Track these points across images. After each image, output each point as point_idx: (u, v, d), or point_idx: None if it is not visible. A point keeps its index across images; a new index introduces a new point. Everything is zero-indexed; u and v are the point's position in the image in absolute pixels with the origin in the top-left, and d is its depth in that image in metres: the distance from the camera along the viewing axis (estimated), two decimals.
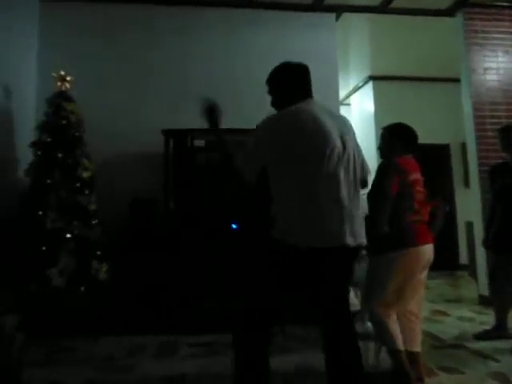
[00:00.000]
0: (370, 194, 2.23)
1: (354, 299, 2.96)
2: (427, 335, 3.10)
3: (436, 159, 6.34)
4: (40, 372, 2.41)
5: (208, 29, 4.32)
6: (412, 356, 2.16)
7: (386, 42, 5.27)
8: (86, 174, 3.31)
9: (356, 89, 6.92)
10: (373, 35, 5.14)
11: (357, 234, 1.58)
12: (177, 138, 3.70)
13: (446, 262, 6.04)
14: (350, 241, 1.53)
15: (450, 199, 6.37)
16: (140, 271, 3.31)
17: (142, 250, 3.37)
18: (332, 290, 1.61)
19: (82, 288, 3.05)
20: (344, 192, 1.56)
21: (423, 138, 6.59)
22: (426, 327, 3.30)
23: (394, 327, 2.13)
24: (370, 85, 6.45)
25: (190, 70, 4.23)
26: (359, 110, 7.06)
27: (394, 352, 2.09)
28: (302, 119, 1.58)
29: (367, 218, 2.18)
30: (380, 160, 2.40)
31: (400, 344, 2.10)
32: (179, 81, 4.20)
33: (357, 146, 1.73)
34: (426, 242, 2.16)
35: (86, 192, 3.32)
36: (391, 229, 2.09)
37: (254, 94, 3.97)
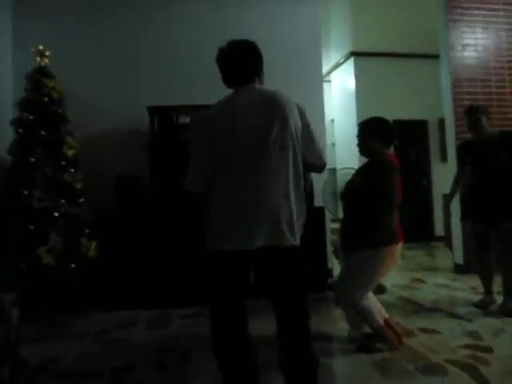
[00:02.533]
0: (364, 194, 2.24)
1: None
2: (407, 301, 3.30)
3: (414, 134, 6.52)
4: (35, 347, 2.47)
5: (193, 4, 4.23)
6: (386, 322, 2.35)
7: (368, 18, 5.30)
8: (70, 152, 3.26)
9: (337, 65, 6.93)
10: (354, 10, 5.16)
11: (275, 235, 1.46)
12: (162, 115, 3.68)
13: (423, 234, 6.33)
14: (259, 243, 1.44)
15: (427, 173, 6.60)
16: (128, 248, 3.34)
17: (129, 227, 3.39)
18: (274, 287, 1.57)
19: (72, 266, 3.07)
20: (263, 188, 1.44)
21: (403, 115, 6.78)
22: (406, 294, 3.51)
23: (374, 307, 2.32)
24: (352, 61, 6.45)
25: (177, 47, 4.15)
26: (340, 87, 7.09)
27: (380, 329, 2.27)
28: (221, 115, 1.49)
29: (352, 217, 2.33)
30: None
31: (381, 320, 2.29)
32: (165, 57, 4.12)
33: (300, 128, 1.54)
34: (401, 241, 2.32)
35: (72, 170, 3.28)
36: (381, 225, 2.21)
37: None
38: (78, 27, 4.04)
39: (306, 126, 1.56)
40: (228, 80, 1.57)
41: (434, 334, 2.52)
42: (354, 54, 6.36)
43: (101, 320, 3.03)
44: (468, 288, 3.64)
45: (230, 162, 1.47)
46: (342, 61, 6.73)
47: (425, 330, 2.59)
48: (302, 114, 1.56)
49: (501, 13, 4.44)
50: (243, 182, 1.45)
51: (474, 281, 3.81)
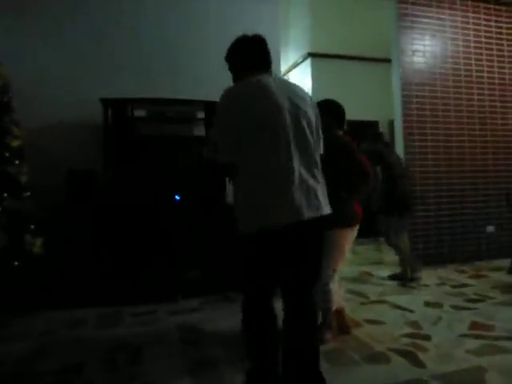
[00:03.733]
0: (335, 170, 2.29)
1: None
2: (355, 294, 3.45)
3: (366, 134, 6.77)
4: None
5: None
6: (340, 312, 2.45)
7: (326, 21, 5.42)
8: (15, 143, 3.08)
9: (295, 65, 7.05)
10: (313, 12, 5.25)
11: (318, 206, 1.55)
12: (116, 107, 3.56)
13: (372, 230, 6.60)
14: (308, 214, 1.50)
15: (375, 173, 6.89)
16: (78, 244, 3.23)
17: (80, 222, 3.27)
18: (294, 268, 1.57)
19: (16, 263, 2.91)
20: (296, 164, 1.52)
21: (356, 115, 7.01)
22: (354, 287, 3.66)
23: (337, 291, 2.42)
24: (309, 61, 6.61)
25: (131, 39, 4.02)
26: None
27: (329, 317, 2.38)
28: (249, 93, 1.55)
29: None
30: None
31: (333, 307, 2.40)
32: (120, 48, 3.98)
33: (315, 119, 1.68)
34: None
35: (16, 162, 3.10)
36: (348, 204, 2.29)
37: (191, 64, 3.95)
38: (27, 14, 3.81)
39: (318, 118, 1.72)
40: (254, 64, 1.68)
41: (379, 325, 2.66)
42: (312, 54, 6.52)
43: (47, 319, 2.91)
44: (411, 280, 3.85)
45: (264, 138, 1.51)
46: (299, 61, 6.86)
47: (371, 321, 2.72)
48: (314, 107, 1.72)
49: (447, 23, 4.73)
50: (280, 156, 1.51)
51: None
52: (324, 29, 5.70)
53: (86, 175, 3.43)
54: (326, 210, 1.61)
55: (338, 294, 2.47)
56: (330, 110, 2.41)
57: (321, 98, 2.46)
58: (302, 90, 1.70)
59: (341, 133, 2.42)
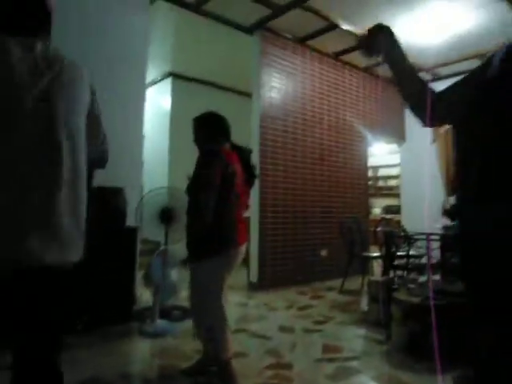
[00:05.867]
0: (190, 188, 2.12)
1: None
2: None
3: None
4: None
5: None
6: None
7: (190, 42, 5.36)
8: None
9: (154, 82, 6.77)
10: (179, 31, 5.13)
11: (64, 244, 1.10)
12: None
13: None
14: (48, 256, 1.06)
15: None
16: None
17: None
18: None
19: None
20: (35, 178, 1.06)
21: None
22: None
23: (228, 333, 2.11)
24: (169, 81, 6.46)
25: None
26: (154, 105, 6.93)
27: (227, 364, 2.09)
28: None
29: (188, 215, 2.12)
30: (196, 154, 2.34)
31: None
32: None
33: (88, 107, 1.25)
34: (244, 242, 2.21)
35: None
36: (214, 227, 2.00)
37: None
38: None
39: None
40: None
41: (241, 358, 2.56)
42: (173, 74, 6.40)
43: None
44: (263, 304, 3.97)
45: None
46: (159, 78, 6.63)
47: (235, 354, 2.62)
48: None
49: (298, 67, 5.28)
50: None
51: (267, 297, 4.24)
52: (188, 51, 5.64)
53: None
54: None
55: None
56: (208, 123, 2.29)
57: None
58: (69, 66, 1.22)
59: (220, 148, 2.23)
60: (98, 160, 1.37)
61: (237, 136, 2.41)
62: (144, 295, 3.53)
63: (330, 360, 2.55)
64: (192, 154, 2.30)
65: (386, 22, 1.20)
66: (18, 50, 1.09)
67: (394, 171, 8.90)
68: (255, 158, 4.77)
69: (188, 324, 3.06)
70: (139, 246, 3.60)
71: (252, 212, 4.70)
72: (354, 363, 2.50)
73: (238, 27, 4.76)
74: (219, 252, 2.03)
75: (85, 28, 3.48)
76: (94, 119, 1.29)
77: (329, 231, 5.46)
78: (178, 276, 3.24)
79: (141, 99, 3.93)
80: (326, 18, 4.49)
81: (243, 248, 2.19)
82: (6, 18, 1.16)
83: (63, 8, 3.51)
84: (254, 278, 4.71)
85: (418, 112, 1.12)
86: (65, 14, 3.52)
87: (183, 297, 3.28)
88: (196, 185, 2.06)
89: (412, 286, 2.99)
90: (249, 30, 4.83)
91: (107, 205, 3.08)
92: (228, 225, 2.08)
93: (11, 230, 1.03)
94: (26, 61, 1.10)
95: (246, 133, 5.49)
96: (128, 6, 3.83)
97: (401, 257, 4.04)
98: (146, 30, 3.99)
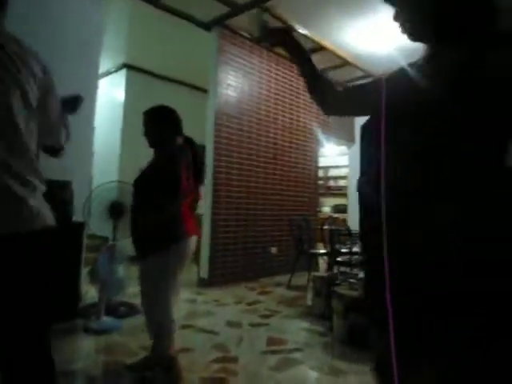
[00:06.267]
0: (140, 182, 2.12)
1: None
2: None
3: None
4: None
5: None
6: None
7: (146, 35, 5.25)
8: None
9: (107, 73, 6.55)
10: (134, 22, 5.00)
11: None
12: None
13: None
14: None
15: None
16: None
17: None
18: None
19: None
20: None
21: None
22: None
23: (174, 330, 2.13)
24: (124, 72, 6.29)
25: None
26: (107, 96, 6.70)
27: (172, 359, 2.11)
28: None
29: (137, 211, 2.12)
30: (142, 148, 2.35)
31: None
32: None
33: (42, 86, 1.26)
34: (194, 233, 2.19)
35: None
36: (160, 221, 2.01)
37: None
38: None
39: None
40: None
41: (188, 353, 2.61)
42: (127, 66, 6.22)
43: None
44: (212, 301, 4.02)
45: None
46: (112, 70, 6.42)
47: (184, 350, 2.63)
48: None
49: (255, 67, 5.35)
50: None
51: (217, 294, 4.30)
52: (143, 43, 5.51)
53: None
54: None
55: None
56: (161, 116, 2.26)
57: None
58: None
59: (176, 142, 2.25)
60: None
61: (192, 131, 2.43)
62: (90, 292, 3.44)
63: (274, 352, 2.67)
64: (144, 147, 2.29)
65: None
66: None
67: (343, 172, 9.27)
68: (209, 155, 4.81)
69: (135, 320, 3.07)
70: (85, 242, 3.51)
71: (204, 208, 4.73)
72: (297, 354, 2.64)
73: (196, 23, 4.73)
74: (168, 246, 2.03)
75: (34, 16, 3.31)
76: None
77: (279, 229, 5.61)
78: (126, 272, 3.20)
79: (93, 89, 3.81)
80: (283, 21, 4.59)
81: (193, 239, 2.18)
82: None
83: None
84: (204, 274, 4.74)
85: (315, 97, 1.16)
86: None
87: (131, 293, 3.25)
88: (155, 180, 2.05)
89: (353, 280, 3.18)
90: (207, 27, 4.81)
91: (53, 199, 2.97)
92: (175, 218, 2.07)
93: None
94: None
95: (201, 128, 5.51)
96: None
97: (344, 253, 4.27)
98: (100, 19, 3.87)
